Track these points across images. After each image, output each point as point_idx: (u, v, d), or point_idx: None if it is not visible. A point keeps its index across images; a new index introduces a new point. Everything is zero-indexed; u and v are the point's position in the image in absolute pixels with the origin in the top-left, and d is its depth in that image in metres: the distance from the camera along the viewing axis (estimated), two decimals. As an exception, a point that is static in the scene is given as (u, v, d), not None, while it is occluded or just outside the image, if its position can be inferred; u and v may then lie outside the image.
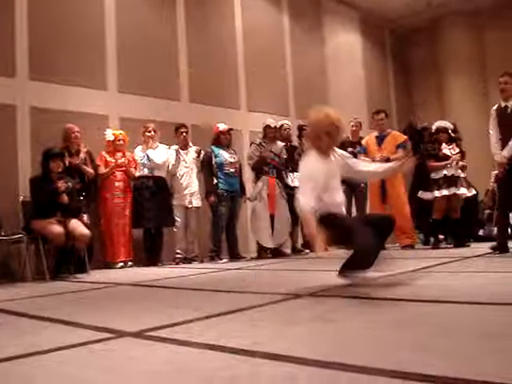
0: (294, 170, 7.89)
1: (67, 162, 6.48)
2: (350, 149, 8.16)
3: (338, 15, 12.25)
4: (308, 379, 1.58)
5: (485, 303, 2.74)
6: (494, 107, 6.50)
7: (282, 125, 8.25)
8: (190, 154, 7.69)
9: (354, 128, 8.53)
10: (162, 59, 8.66)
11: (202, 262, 7.44)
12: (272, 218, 7.53)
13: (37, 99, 7.07)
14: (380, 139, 7.94)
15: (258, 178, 7.68)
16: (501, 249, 6.16)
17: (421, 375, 1.51)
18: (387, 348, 1.92)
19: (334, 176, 3.90)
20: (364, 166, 4.26)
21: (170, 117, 8.28)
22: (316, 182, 3.68)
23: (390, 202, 7.77)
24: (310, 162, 3.84)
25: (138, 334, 2.40)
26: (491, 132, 6.42)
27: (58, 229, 5.81)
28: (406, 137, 8.04)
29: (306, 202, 3.58)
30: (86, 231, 6.02)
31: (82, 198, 6.52)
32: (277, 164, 7.71)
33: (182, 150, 7.66)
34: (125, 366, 1.88)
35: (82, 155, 6.86)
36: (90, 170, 6.90)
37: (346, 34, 12.46)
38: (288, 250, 7.94)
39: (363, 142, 8.20)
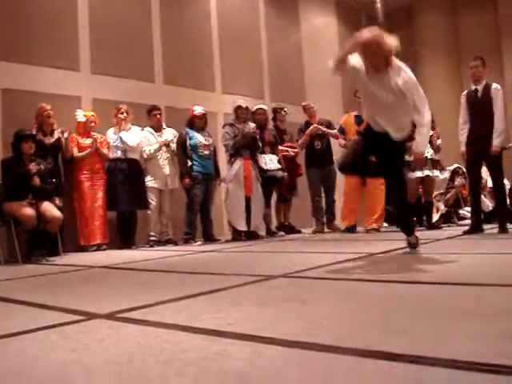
0: (268, 151, 7.90)
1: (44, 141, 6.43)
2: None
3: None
4: (275, 358, 1.60)
5: (456, 283, 2.78)
6: (464, 93, 6.67)
7: (257, 109, 8.17)
8: (164, 136, 7.63)
9: (312, 110, 8.51)
10: (136, 40, 8.56)
11: (176, 244, 7.42)
12: (248, 200, 7.52)
13: (8, 80, 6.95)
14: (359, 118, 7.85)
15: (232, 159, 7.62)
16: (475, 229, 6.31)
17: (390, 354, 1.54)
18: (359, 328, 1.94)
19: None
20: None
21: (144, 99, 8.19)
22: None
23: (368, 187, 7.67)
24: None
25: (110, 316, 2.40)
26: (460, 119, 6.58)
27: (29, 211, 5.76)
28: None
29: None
30: (57, 214, 5.98)
31: (54, 180, 6.43)
32: (252, 145, 7.65)
33: (156, 132, 7.60)
34: (94, 347, 1.88)
35: (56, 135, 6.77)
36: (69, 148, 6.84)
37: (321, 17, 12.42)
38: (263, 233, 7.97)
39: (341, 121, 8.17)
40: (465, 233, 6.33)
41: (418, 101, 4.01)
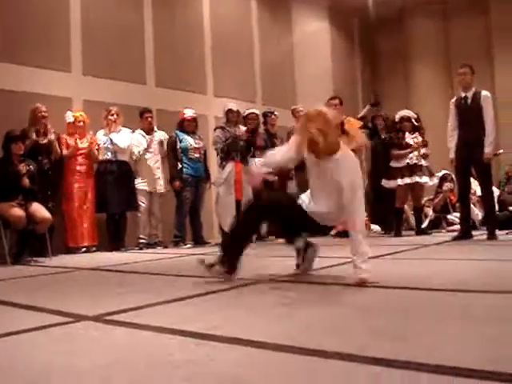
0: (259, 155, 7.89)
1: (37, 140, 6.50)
2: None
3: (307, 2, 12.23)
4: (262, 361, 1.61)
5: (443, 290, 2.79)
6: (453, 100, 6.70)
7: (249, 113, 8.14)
8: (155, 139, 7.63)
9: (301, 114, 8.49)
10: (128, 42, 8.54)
11: (165, 247, 7.40)
12: (238, 203, 7.51)
13: (-1, 81, 6.94)
14: None
15: (223, 162, 7.62)
16: (464, 235, 6.33)
17: (378, 359, 1.55)
18: (346, 333, 1.95)
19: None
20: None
21: (135, 100, 8.18)
22: None
23: None
24: None
25: (98, 318, 2.39)
26: (449, 126, 6.61)
27: (19, 212, 5.72)
28: (361, 123, 8.03)
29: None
30: (47, 215, 5.94)
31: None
32: (242, 149, 7.64)
33: (148, 134, 7.59)
34: (82, 349, 1.88)
35: (50, 136, 6.73)
36: (57, 148, 6.80)
37: (314, 22, 12.45)
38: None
39: None
40: (454, 239, 6.36)
41: (353, 205, 3.20)
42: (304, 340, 1.81)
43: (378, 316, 2.22)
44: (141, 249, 7.25)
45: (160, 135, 7.70)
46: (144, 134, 7.55)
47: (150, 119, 7.66)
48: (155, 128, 7.73)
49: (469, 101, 6.44)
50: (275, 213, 3.55)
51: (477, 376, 1.36)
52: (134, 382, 1.48)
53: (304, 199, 3.55)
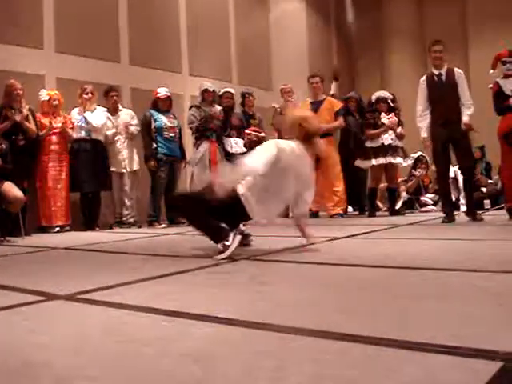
0: (235, 135, 7.87)
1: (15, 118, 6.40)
2: None
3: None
4: (235, 339, 1.62)
5: (415, 267, 2.83)
6: (423, 78, 6.49)
7: (224, 93, 8.10)
8: (121, 119, 7.56)
9: (289, 94, 8.50)
10: (102, 19, 8.41)
11: (140, 227, 7.39)
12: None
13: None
14: (315, 105, 7.81)
15: (197, 142, 7.58)
16: (447, 218, 6.21)
17: (350, 335, 1.57)
18: (319, 310, 1.97)
19: None
20: None
21: (109, 79, 8.09)
22: None
23: (322, 170, 7.46)
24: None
25: (70, 297, 2.38)
26: (419, 106, 6.44)
27: (-10, 191, 5.65)
28: (342, 103, 8.09)
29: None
30: (19, 194, 5.86)
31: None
32: (217, 128, 7.62)
33: (112, 114, 7.53)
34: (54, 328, 1.87)
35: (24, 112, 6.64)
36: (32, 126, 6.70)
37: (290, 2, 12.39)
38: (227, 216, 7.95)
39: None
40: (443, 222, 6.19)
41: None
42: (275, 317, 1.83)
43: (352, 294, 2.24)
44: (115, 228, 7.22)
45: (125, 114, 7.63)
46: (108, 114, 7.48)
47: (115, 98, 7.60)
48: (120, 107, 7.66)
49: (443, 78, 6.28)
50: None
51: (441, 351, 1.39)
52: (104, 358, 1.48)
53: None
